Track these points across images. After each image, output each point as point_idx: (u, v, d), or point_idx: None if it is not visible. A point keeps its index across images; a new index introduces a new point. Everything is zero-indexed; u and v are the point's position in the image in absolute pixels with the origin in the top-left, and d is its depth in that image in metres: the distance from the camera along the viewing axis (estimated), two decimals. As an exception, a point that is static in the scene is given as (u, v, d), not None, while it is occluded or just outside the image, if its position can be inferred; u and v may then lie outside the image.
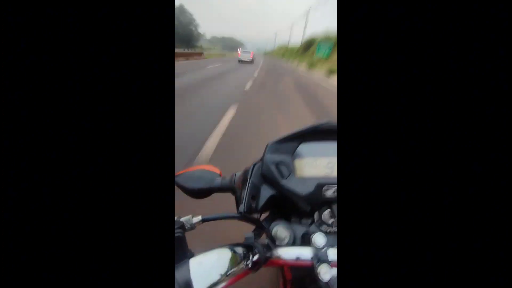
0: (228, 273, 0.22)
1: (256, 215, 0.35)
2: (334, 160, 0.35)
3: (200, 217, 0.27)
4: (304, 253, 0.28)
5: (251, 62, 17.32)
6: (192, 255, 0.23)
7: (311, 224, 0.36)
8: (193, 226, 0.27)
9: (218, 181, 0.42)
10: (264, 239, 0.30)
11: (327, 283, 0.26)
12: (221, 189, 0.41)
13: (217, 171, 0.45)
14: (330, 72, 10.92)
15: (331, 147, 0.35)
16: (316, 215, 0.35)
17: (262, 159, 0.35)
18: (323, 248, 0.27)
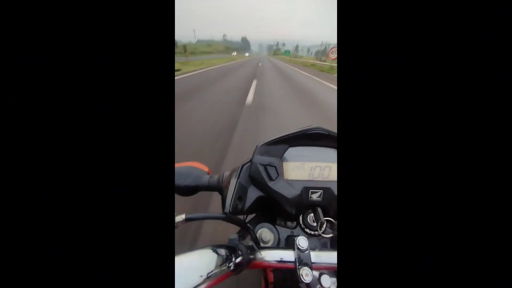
0: (209, 274, 0.22)
1: (241, 217, 0.35)
2: (321, 165, 0.35)
3: (183, 216, 0.27)
4: (287, 255, 0.28)
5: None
6: None
7: (295, 227, 0.36)
8: (175, 225, 0.26)
9: (205, 179, 0.41)
10: (248, 241, 0.29)
11: (308, 285, 0.26)
12: (208, 187, 0.41)
13: (206, 168, 0.44)
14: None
15: (319, 152, 0.36)
16: (300, 218, 0.36)
17: (251, 160, 0.35)
18: (305, 250, 0.27)
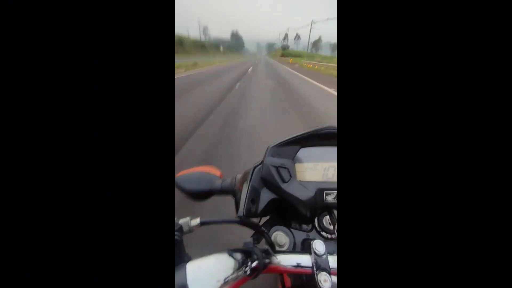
0: (226, 279, 0.22)
1: (255, 219, 0.35)
2: (334, 165, 0.34)
3: (198, 220, 0.27)
4: (303, 260, 0.27)
5: None
6: (189, 259, 0.22)
7: (311, 230, 0.35)
8: (191, 229, 0.27)
9: (218, 183, 0.41)
10: (263, 245, 0.29)
11: None
12: (222, 191, 0.41)
13: (218, 173, 0.45)
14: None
15: (332, 152, 0.35)
16: (316, 221, 0.35)
17: (262, 162, 0.35)
18: (323, 255, 0.26)
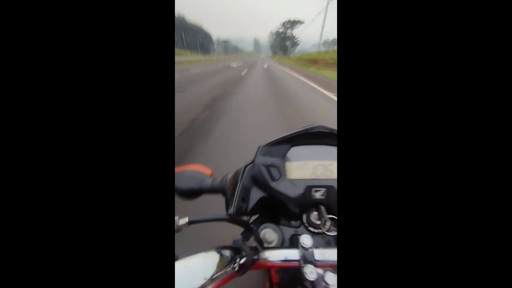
0: (214, 276, 0.22)
1: (245, 218, 0.35)
2: (323, 163, 0.35)
3: (187, 219, 0.27)
4: (291, 254, 0.28)
5: None
6: (176, 258, 0.22)
7: (299, 226, 0.36)
8: (179, 229, 0.26)
9: (209, 182, 0.41)
10: (252, 242, 0.29)
11: (312, 283, 0.26)
12: (212, 190, 0.41)
13: (209, 171, 0.44)
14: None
15: (321, 150, 0.36)
16: (304, 217, 0.36)
17: (253, 161, 0.35)
18: (309, 248, 0.27)
